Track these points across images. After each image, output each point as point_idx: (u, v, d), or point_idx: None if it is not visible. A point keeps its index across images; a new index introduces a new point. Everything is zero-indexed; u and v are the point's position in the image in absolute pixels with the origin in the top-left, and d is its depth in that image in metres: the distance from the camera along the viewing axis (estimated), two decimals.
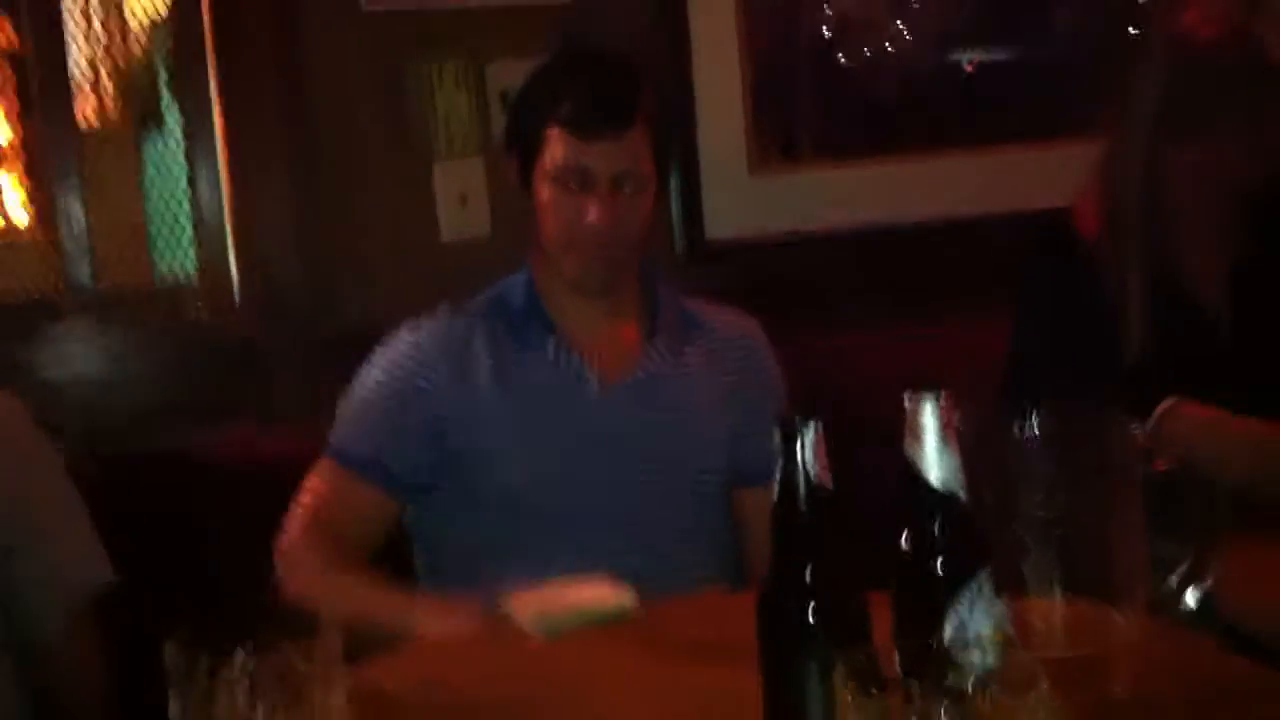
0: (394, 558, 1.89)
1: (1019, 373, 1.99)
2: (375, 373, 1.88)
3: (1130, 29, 2.89)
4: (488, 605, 1.54)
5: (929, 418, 1.02)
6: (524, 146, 1.86)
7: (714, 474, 1.89)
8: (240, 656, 1.00)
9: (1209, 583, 1.23)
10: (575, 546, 1.78)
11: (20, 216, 2.47)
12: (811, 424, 1.00)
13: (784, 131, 2.68)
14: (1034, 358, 1.97)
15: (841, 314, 2.56)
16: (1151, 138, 1.90)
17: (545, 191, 1.83)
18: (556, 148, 1.81)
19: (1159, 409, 1.72)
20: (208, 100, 2.38)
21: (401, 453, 1.83)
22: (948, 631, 1.02)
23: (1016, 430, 1.18)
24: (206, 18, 2.35)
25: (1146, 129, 1.90)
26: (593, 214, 1.79)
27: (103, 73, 2.52)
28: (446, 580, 1.87)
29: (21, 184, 2.48)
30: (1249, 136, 1.86)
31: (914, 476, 1.03)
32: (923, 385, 1.03)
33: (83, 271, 2.35)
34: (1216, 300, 1.93)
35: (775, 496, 1.01)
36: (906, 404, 1.03)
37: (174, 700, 1.00)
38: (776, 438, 1.01)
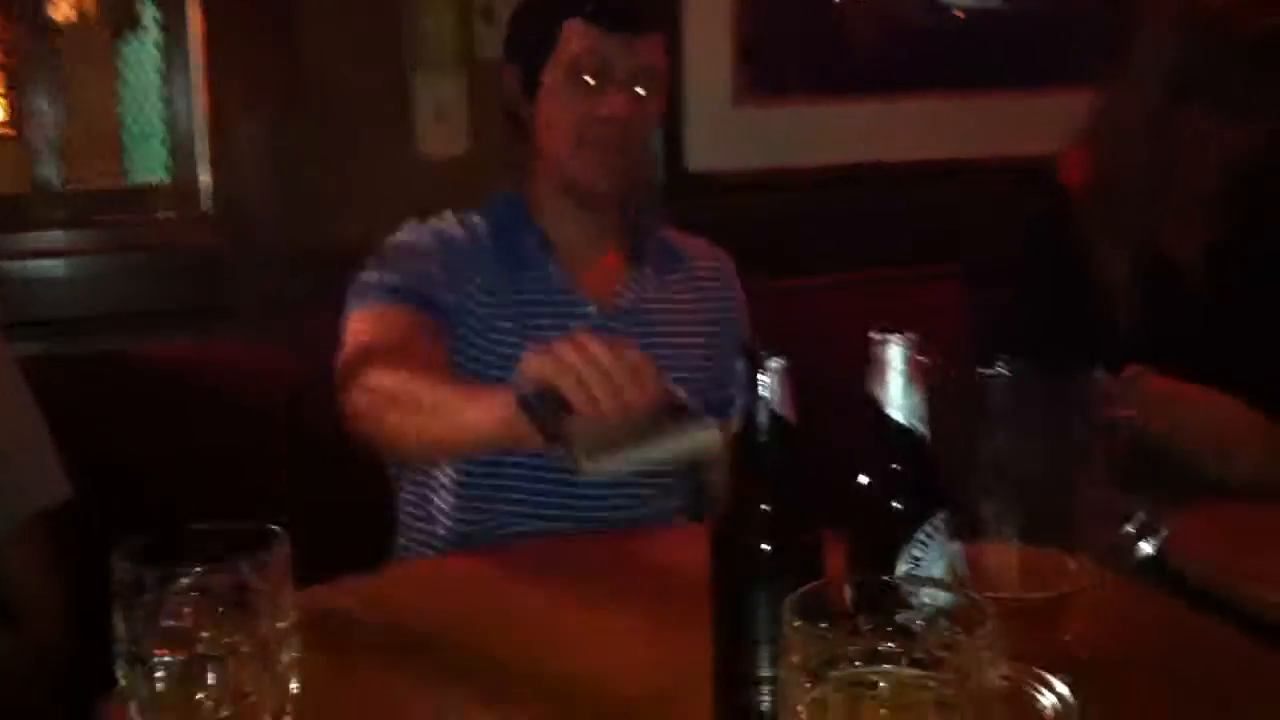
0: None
1: (992, 324, 1.98)
2: (401, 240, 1.84)
3: None
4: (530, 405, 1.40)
5: (895, 355, 1.01)
6: (534, 46, 1.83)
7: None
8: (190, 571, 0.99)
9: (1164, 534, 1.24)
10: (545, 475, 1.77)
11: None
12: (778, 358, 0.99)
13: (770, 65, 2.64)
14: (1008, 315, 1.96)
15: (819, 252, 2.54)
16: (1159, 100, 1.88)
17: (557, 86, 1.81)
18: (576, 40, 1.79)
19: (1124, 374, 1.71)
20: (183, 3, 2.33)
21: (440, 285, 1.78)
22: (901, 569, 1.01)
23: (979, 374, 1.17)
24: None
25: (1154, 90, 1.88)
26: (609, 107, 1.78)
27: None
28: (427, 510, 1.85)
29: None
30: (1257, 111, 1.84)
31: (877, 413, 1.02)
32: (890, 325, 1.02)
33: (52, 171, 2.32)
34: (1196, 271, 1.92)
35: (737, 427, 1.01)
36: (873, 342, 1.02)
37: (119, 616, 0.98)
38: (741, 370, 1.00)
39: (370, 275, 1.79)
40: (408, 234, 1.86)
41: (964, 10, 2.78)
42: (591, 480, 1.75)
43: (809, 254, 2.53)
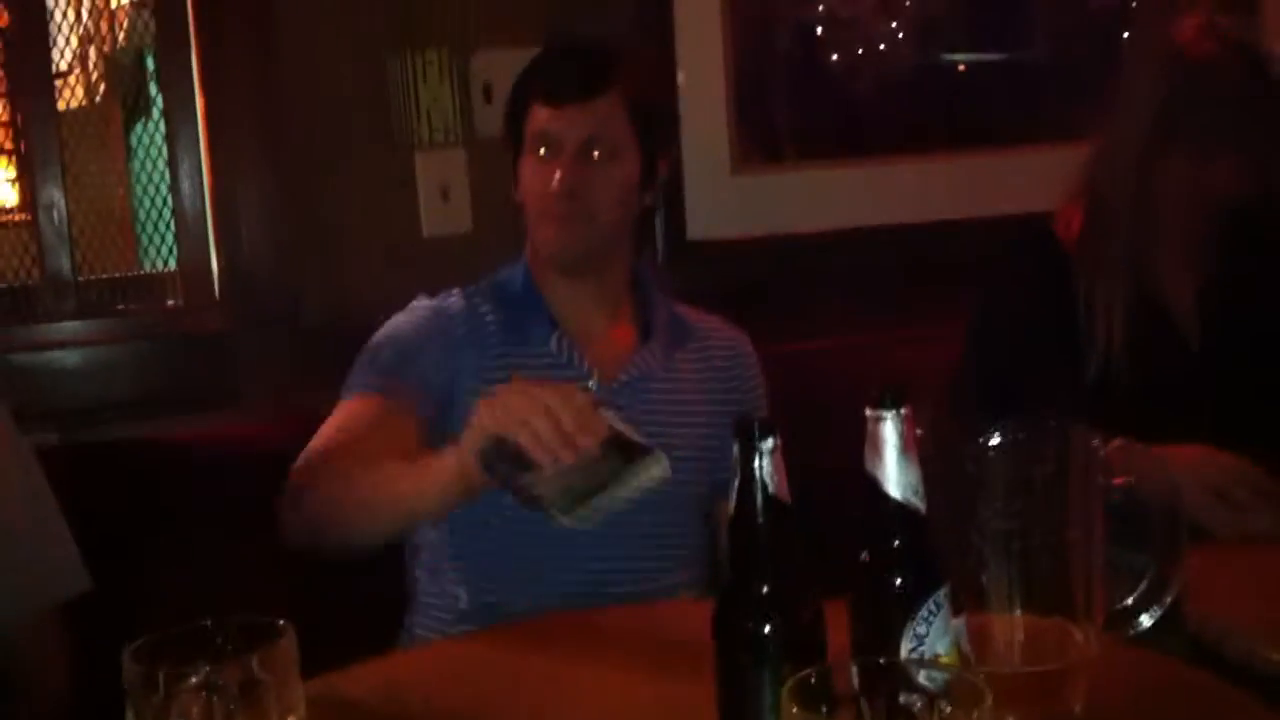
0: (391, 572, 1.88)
1: (981, 380, 1.99)
2: (395, 327, 1.87)
3: (1117, 35, 2.89)
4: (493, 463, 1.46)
5: (890, 431, 1.02)
6: (514, 133, 1.89)
7: (696, 483, 1.88)
8: (199, 668, 1.00)
9: (1167, 602, 1.24)
10: (556, 548, 1.78)
11: (7, 195, 2.47)
12: (770, 436, 1.00)
13: (767, 131, 2.67)
14: (998, 364, 1.97)
15: (822, 316, 2.55)
16: (1144, 145, 1.91)
17: (525, 167, 1.87)
18: (534, 120, 1.85)
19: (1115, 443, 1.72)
20: (190, 88, 2.37)
21: (426, 380, 1.79)
22: (905, 646, 1.02)
23: (977, 439, 1.18)
24: (190, 5, 2.33)
25: (1140, 136, 1.91)
26: (557, 177, 1.81)
27: (91, 56, 2.51)
28: (438, 588, 1.86)
29: (10, 164, 2.48)
30: (1240, 154, 1.87)
31: (874, 490, 1.03)
32: (882, 395, 1.02)
33: (63, 260, 2.34)
34: (1189, 316, 1.94)
35: (732, 508, 1.01)
36: (867, 417, 1.03)
37: (130, 715, 1.00)
38: (735, 449, 1.01)
39: (355, 370, 1.82)
40: (402, 318, 1.88)
41: (960, 67, 2.82)
42: (598, 552, 1.78)
43: (811, 317, 2.54)
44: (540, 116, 1.84)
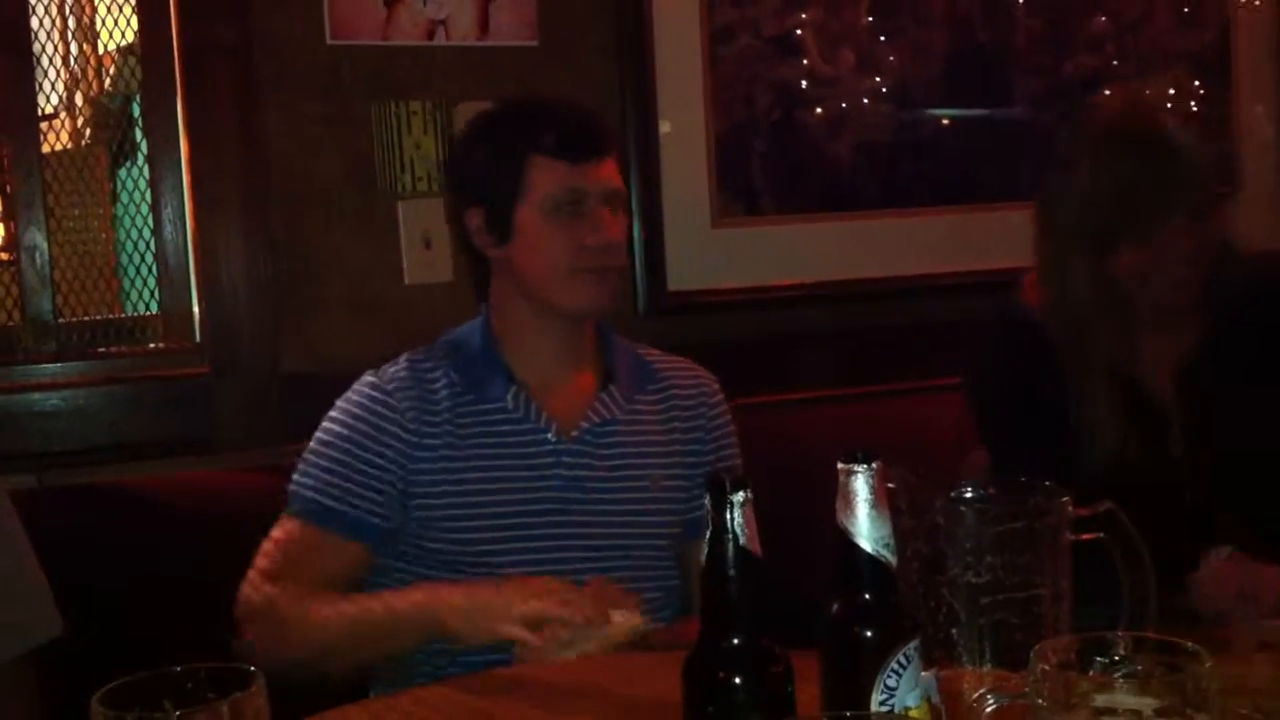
0: None
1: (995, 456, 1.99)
2: (338, 422, 1.86)
3: (1095, 94, 2.94)
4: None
5: (861, 485, 1.03)
6: (499, 189, 1.86)
7: (664, 526, 1.89)
8: (167, 715, 0.99)
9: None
10: None
11: None
12: (741, 489, 1.01)
13: (747, 186, 2.70)
14: (1004, 444, 1.98)
15: (799, 368, 2.57)
16: (1084, 247, 1.90)
17: (536, 223, 1.84)
18: (545, 177, 1.83)
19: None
20: (175, 134, 2.39)
21: (368, 503, 1.81)
22: (875, 698, 1.02)
23: (947, 495, 1.19)
24: (176, 54, 2.35)
25: (1079, 239, 1.90)
26: (597, 233, 1.83)
27: (78, 100, 2.53)
28: None
29: None
30: (1181, 233, 1.87)
31: (845, 543, 1.04)
32: (855, 452, 1.03)
33: (45, 303, 2.35)
34: (1168, 397, 1.93)
35: (704, 559, 1.02)
36: (839, 471, 1.04)
37: None
38: (707, 502, 1.01)
39: (297, 479, 1.84)
40: (339, 416, 1.86)
41: (944, 121, 2.85)
42: None
43: (788, 369, 2.56)
44: (555, 172, 1.83)
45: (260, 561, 1.79)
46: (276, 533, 1.81)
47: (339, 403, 1.88)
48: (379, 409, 1.84)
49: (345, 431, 1.84)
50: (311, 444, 1.86)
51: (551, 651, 1.54)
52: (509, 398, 1.87)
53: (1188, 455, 1.90)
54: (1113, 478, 1.83)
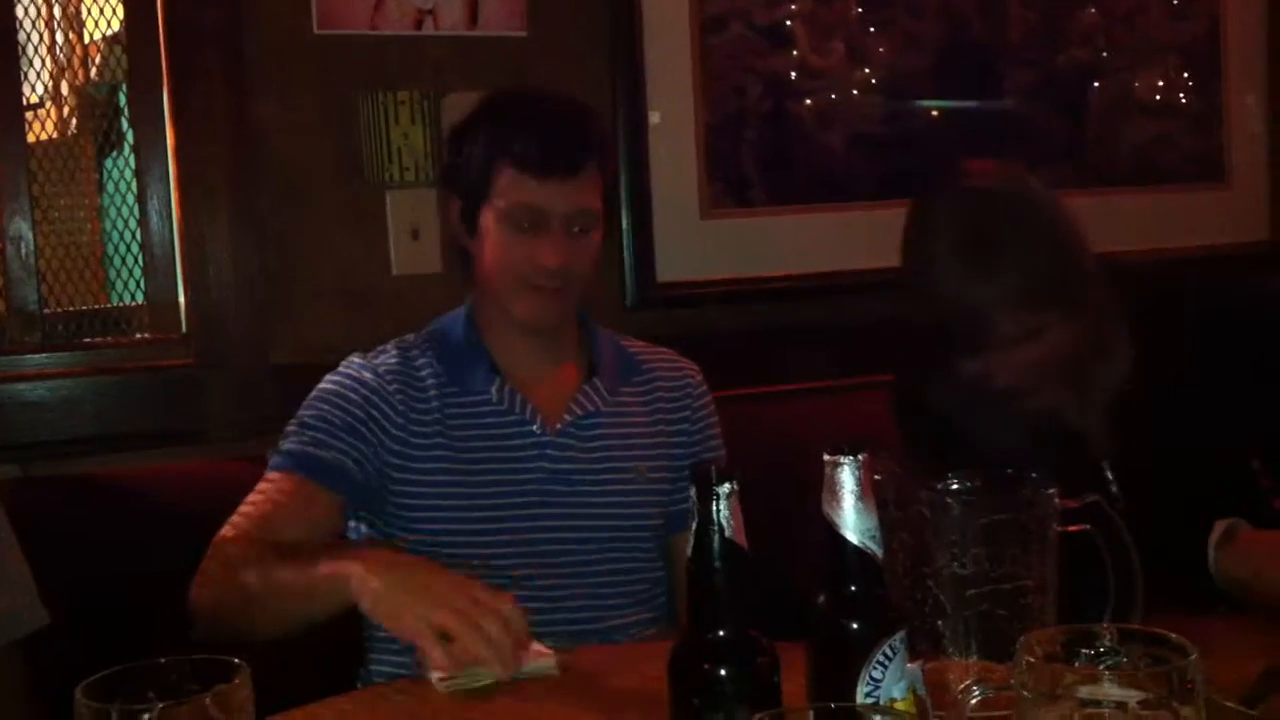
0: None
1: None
2: (328, 389, 1.85)
3: (1086, 87, 2.94)
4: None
5: (847, 477, 1.03)
6: (470, 184, 1.85)
7: (648, 518, 1.89)
8: (152, 706, 0.99)
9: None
10: (515, 591, 1.77)
11: None
12: (727, 481, 1.01)
13: (737, 177, 2.70)
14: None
15: (789, 361, 2.57)
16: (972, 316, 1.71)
17: (495, 230, 1.83)
18: (508, 187, 1.81)
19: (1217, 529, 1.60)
20: (161, 124, 2.37)
21: (347, 450, 1.79)
22: (860, 690, 1.02)
23: (935, 487, 1.19)
24: (163, 43, 2.34)
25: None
26: (547, 255, 1.80)
27: (64, 90, 2.51)
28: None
29: None
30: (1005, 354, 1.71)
31: (831, 535, 1.04)
32: (841, 444, 1.03)
33: (30, 293, 2.34)
34: (1099, 436, 1.79)
35: (690, 553, 1.02)
36: (825, 463, 1.04)
37: None
38: (692, 494, 1.01)
39: (284, 436, 1.82)
40: (332, 381, 1.86)
41: (935, 113, 2.85)
42: (555, 593, 1.79)
43: (777, 361, 2.56)
44: (521, 186, 1.80)
45: (236, 516, 1.76)
46: (259, 486, 1.79)
47: (327, 377, 1.87)
48: (369, 382, 1.84)
49: (333, 396, 1.84)
50: (299, 412, 1.85)
51: (457, 681, 1.42)
52: (494, 390, 1.86)
53: (1125, 494, 1.74)
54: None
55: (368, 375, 1.85)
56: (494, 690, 1.41)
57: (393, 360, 1.88)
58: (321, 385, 1.86)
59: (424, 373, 1.87)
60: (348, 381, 1.85)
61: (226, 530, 1.74)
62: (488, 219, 1.84)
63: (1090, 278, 1.74)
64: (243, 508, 1.77)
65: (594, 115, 1.94)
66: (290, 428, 1.83)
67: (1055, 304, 1.68)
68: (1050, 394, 1.74)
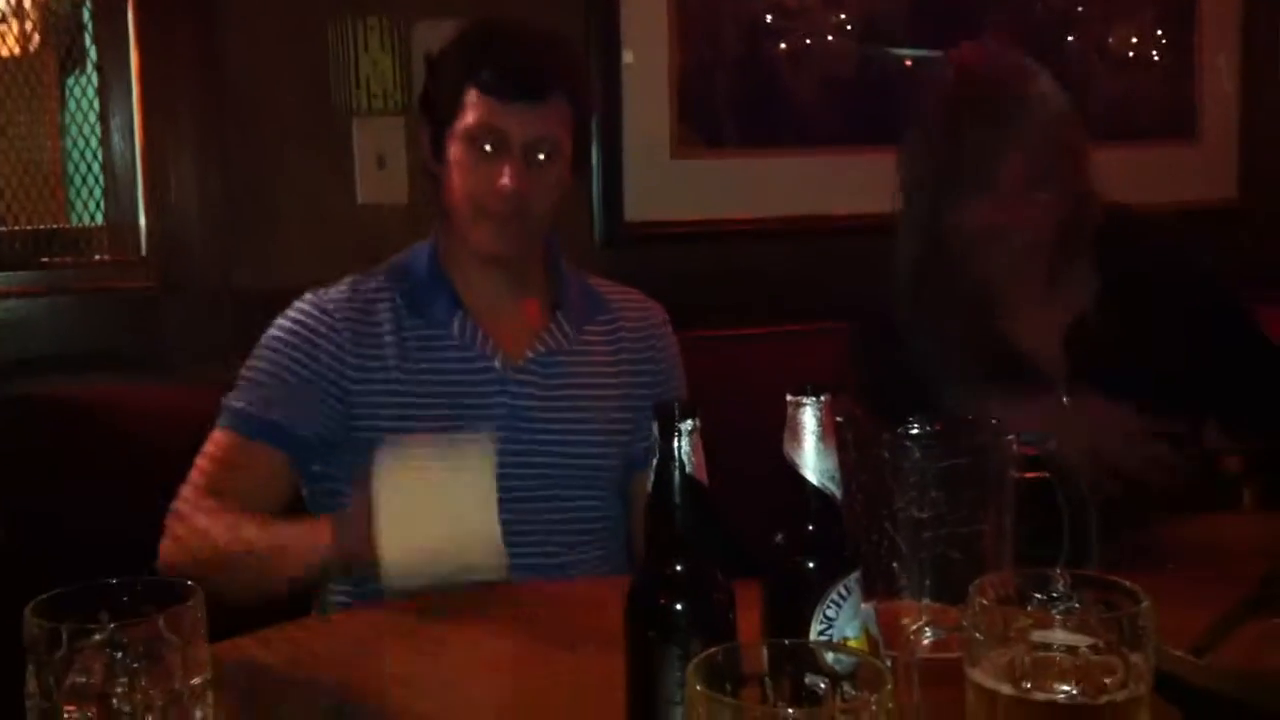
0: None
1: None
2: (276, 338, 1.85)
3: (1062, 36, 2.93)
4: (353, 525, 1.52)
5: (809, 418, 1.03)
6: (439, 110, 1.85)
7: (607, 458, 1.89)
8: (103, 626, 0.99)
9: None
10: None
11: None
12: (690, 417, 1.00)
13: (709, 118, 2.68)
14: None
15: (755, 302, 2.57)
16: (932, 205, 1.86)
17: (457, 154, 1.82)
18: (473, 109, 1.81)
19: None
20: (126, 43, 2.33)
21: (301, 417, 1.80)
22: (814, 628, 1.03)
23: (894, 430, 1.19)
24: None
25: (925, 197, 1.87)
26: (506, 178, 1.79)
27: (26, 4, 2.46)
28: None
29: None
30: (1019, 185, 1.81)
31: (791, 475, 1.04)
32: (804, 385, 1.03)
33: None
34: (1055, 362, 1.87)
35: (650, 488, 1.02)
36: (788, 403, 1.04)
37: (31, 672, 0.98)
38: (655, 429, 1.01)
39: (233, 395, 1.82)
40: (276, 333, 1.85)
41: (909, 59, 2.83)
42: (515, 529, 1.78)
43: (744, 303, 2.56)
44: (484, 108, 1.80)
45: (193, 475, 1.78)
46: (208, 447, 1.80)
47: (277, 319, 1.87)
48: (315, 325, 1.84)
49: (279, 345, 1.84)
50: (248, 360, 1.85)
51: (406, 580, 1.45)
52: (455, 324, 1.85)
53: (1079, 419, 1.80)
54: None
55: (316, 317, 1.84)
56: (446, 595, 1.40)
57: (343, 297, 1.87)
58: (270, 332, 1.86)
59: (379, 304, 1.86)
60: (295, 328, 1.84)
61: (180, 503, 1.75)
62: (453, 143, 1.83)
63: (1081, 155, 1.86)
64: (192, 475, 1.78)
65: (569, 48, 1.93)
66: (241, 378, 1.83)
67: (1056, 158, 1.81)
68: (1034, 276, 1.85)
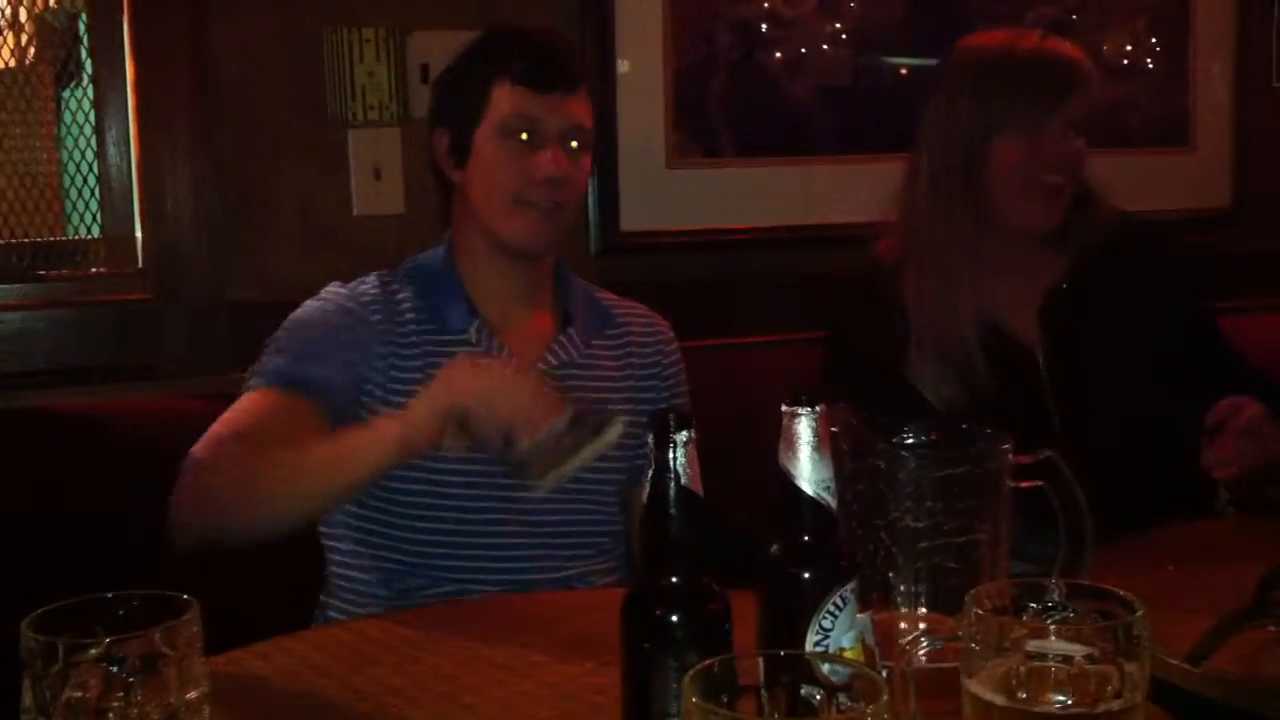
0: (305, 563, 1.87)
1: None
2: (310, 309, 1.83)
3: None
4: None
5: (804, 428, 1.03)
6: (464, 111, 1.84)
7: (615, 470, 1.87)
8: (99, 640, 0.99)
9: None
10: (470, 538, 1.78)
11: None
12: (685, 428, 1.01)
13: (704, 127, 2.68)
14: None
15: (750, 312, 2.57)
16: (954, 178, 1.96)
17: (491, 150, 1.83)
18: (506, 102, 1.82)
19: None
20: (121, 54, 2.33)
21: (331, 372, 1.75)
22: (810, 639, 1.03)
23: (890, 441, 1.19)
24: None
25: (949, 171, 1.97)
26: (546, 165, 1.80)
27: (22, 16, 2.46)
28: (354, 573, 1.84)
29: None
30: (1057, 134, 1.93)
31: (787, 485, 1.04)
32: (799, 395, 1.04)
33: None
34: (1032, 337, 1.97)
35: (645, 499, 1.02)
36: (783, 414, 1.04)
37: (26, 686, 0.98)
38: (650, 440, 1.01)
39: (262, 360, 1.78)
40: (313, 305, 1.84)
41: (904, 68, 2.84)
42: (515, 540, 1.79)
43: (739, 313, 2.56)
44: (520, 99, 1.81)
45: (213, 428, 1.68)
46: (232, 407, 1.72)
47: (308, 302, 1.85)
48: (352, 308, 1.82)
49: (316, 316, 1.81)
50: (277, 333, 1.81)
51: (535, 469, 1.49)
52: (472, 331, 1.85)
53: (1053, 384, 1.94)
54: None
55: (351, 301, 1.83)
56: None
57: (375, 290, 1.86)
58: (298, 312, 1.83)
59: (404, 304, 1.86)
60: (331, 306, 1.83)
61: (200, 448, 1.65)
62: (484, 139, 1.83)
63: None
64: (216, 426, 1.68)
65: (572, 42, 2.00)
66: (266, 352, 1.79)
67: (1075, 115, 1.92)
68: (1054, 201, 1.95)
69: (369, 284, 1.88)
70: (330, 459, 1.60)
